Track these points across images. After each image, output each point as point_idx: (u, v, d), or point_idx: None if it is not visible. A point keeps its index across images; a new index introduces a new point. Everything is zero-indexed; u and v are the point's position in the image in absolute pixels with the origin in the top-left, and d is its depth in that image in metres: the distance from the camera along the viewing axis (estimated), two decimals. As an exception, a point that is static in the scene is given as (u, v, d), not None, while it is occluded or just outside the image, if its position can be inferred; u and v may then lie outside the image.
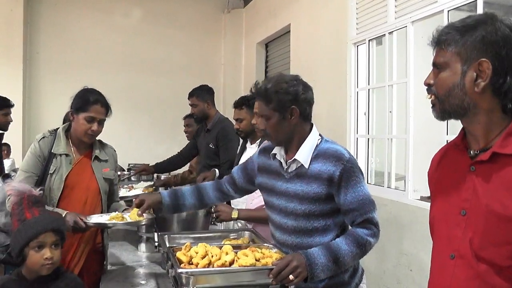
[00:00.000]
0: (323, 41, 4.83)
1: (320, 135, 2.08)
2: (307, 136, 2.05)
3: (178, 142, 6.06)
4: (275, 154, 2.13)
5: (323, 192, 1.95)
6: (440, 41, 1.30)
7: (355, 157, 3.20)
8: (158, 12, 7.40)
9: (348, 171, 1.93)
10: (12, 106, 4.74)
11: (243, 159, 3.31)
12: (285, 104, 1.99)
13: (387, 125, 3.93)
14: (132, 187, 3.92)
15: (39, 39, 6.93)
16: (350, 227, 2.03)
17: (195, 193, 2.36)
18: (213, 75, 7.33)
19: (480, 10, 2.95)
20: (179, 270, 1.68)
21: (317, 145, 2.02)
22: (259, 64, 7.09)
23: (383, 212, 3.51)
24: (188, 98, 4.46)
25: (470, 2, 3.06)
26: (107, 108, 2.61)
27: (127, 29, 7.24)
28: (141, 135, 7.21)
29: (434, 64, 1.33)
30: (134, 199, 2.59)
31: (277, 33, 6.32)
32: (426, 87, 1.37)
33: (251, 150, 3.23)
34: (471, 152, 1.32)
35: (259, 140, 3.17)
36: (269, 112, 2.02)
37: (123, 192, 3.63)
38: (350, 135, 4.31)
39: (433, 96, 1.33)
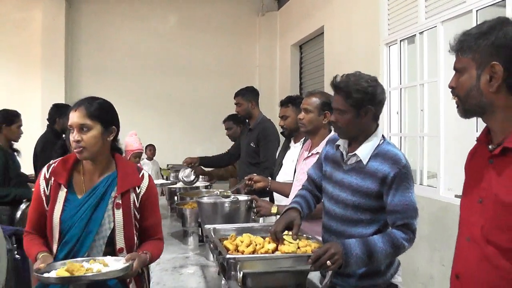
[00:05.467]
0: (356, 42, 4.93)
1: (383, 136, 2.17)
2: (371, 135, 2.14)
3: (215, 143, 6.20)
4: (339, 145, 2.22)
5: (375, 190, 2.06)
6: (457, 48, 1.46)
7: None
8: (194, 17, 7.57)
9: (401, 176, 2.02)
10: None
11: (286, 157, 3.40)
12: (362, 102, 2.06)
13: (419, 124, 4.00)
14: None
15: (80, 46, 7.19)
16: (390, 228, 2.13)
17: (308, 202, 2.34)
18: (248, 77, 7.43)
19: (509, 9, 3.00)
20: (227, 256, 1.83)
21: (378, 145, 2.12)
22: (293, 66, 7.20)
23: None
24: (234, 98, 4.62)
25: (499, 2, 3.11)
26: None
27: (164, 35, 7.44)
28: (178, 136, 7.37)
29: (455, 69, 1.48)
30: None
31: (311, 34, 6.42)
32: (450, 90, 1.51)
33: (295, 149, 3.29)
34: (490, 146, 1.45)
35: (303, 139, 3.22)
36: (346, 107, 2.08)
37: None
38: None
39: (456, 98, 1.48)
